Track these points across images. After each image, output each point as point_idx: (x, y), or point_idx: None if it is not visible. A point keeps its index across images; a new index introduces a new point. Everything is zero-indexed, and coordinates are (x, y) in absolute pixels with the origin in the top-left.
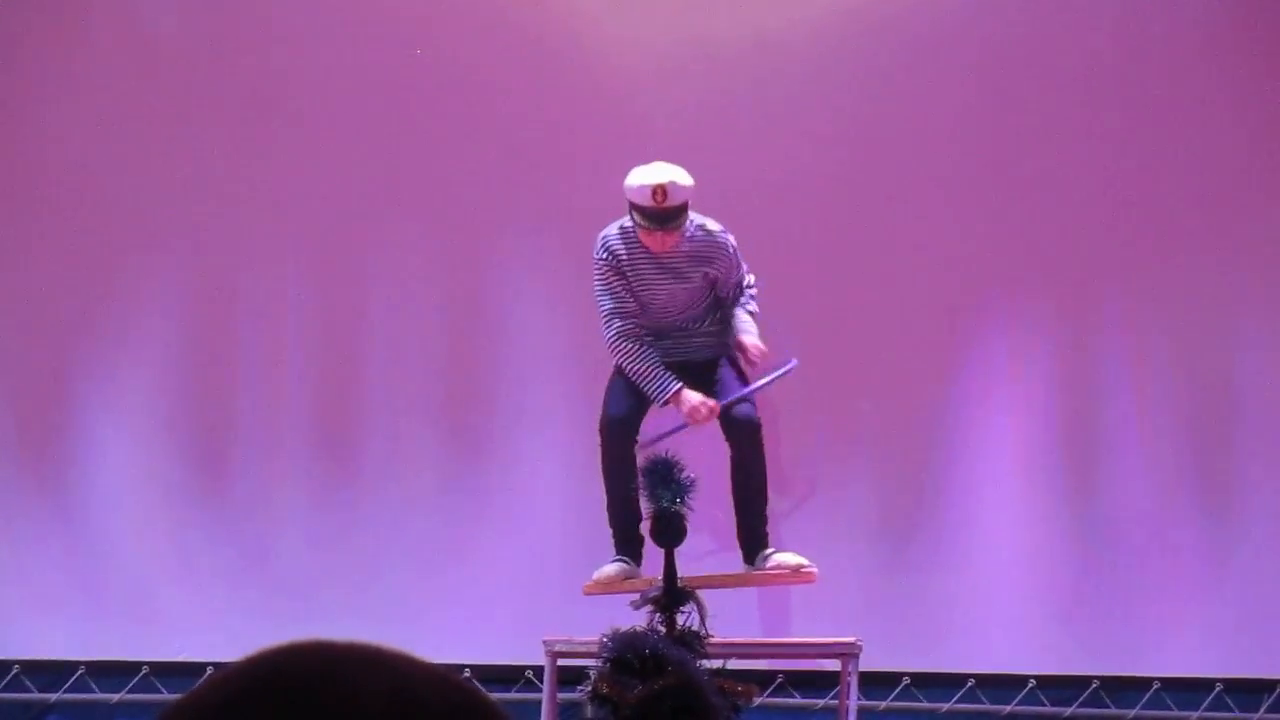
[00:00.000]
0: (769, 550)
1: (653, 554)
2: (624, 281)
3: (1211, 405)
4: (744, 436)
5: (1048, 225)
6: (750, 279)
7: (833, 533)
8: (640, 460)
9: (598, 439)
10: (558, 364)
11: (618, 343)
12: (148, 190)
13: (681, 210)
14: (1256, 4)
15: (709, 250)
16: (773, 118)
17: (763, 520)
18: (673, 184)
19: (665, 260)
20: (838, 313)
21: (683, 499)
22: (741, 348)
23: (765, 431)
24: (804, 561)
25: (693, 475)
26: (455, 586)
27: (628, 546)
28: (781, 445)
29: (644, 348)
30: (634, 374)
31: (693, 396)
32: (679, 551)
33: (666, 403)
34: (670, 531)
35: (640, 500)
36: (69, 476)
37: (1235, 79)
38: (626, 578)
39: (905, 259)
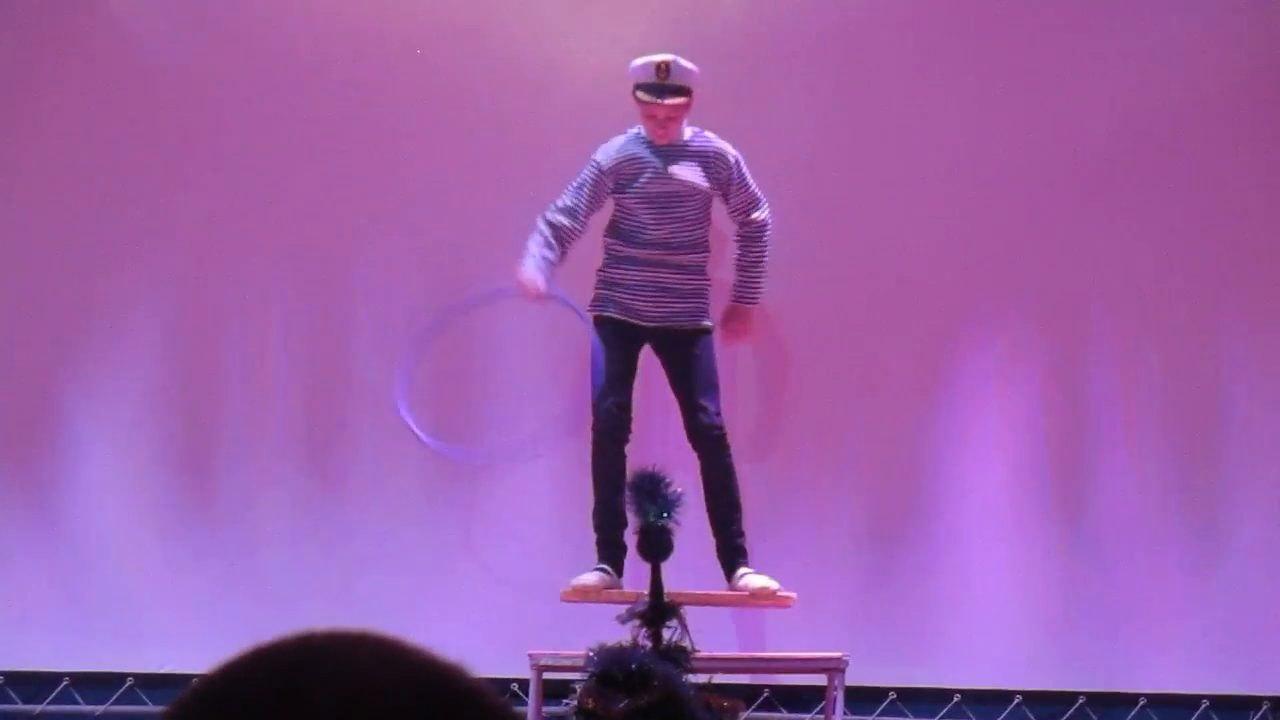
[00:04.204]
0: (743, 571)
1: (640, 568)
2: (596, 189)
3: (1199, 421)
4: (706, 445)
5: (1036, 237)
6: (762, 214)
7: (819, 547)
8: (628, 474)
9: (590, 434)
10: (545, 373)
11: (540, 220)
12: (132, 199)
13: (685, 90)
14: (1249, 21)
15: (704, 158)
16: (763, 127)
17: (736, 533)
18: (676, 62)
19: (664, 156)
20: (825, 326)
21: (669, 513)
22: (729, 323)
23: (752, 443)
24: (776, 585)
25: (680, 489)
26: (440, 598)
27: (609, 552)
28: (768, 459)
29: (550, 238)
30: (528, 248)
31: (528, 274)
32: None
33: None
34: (657, 546)
35: (627, 509)
36: (53, 486)
37: (1226, 90)
38: (606, 587)
39: (893, 272)
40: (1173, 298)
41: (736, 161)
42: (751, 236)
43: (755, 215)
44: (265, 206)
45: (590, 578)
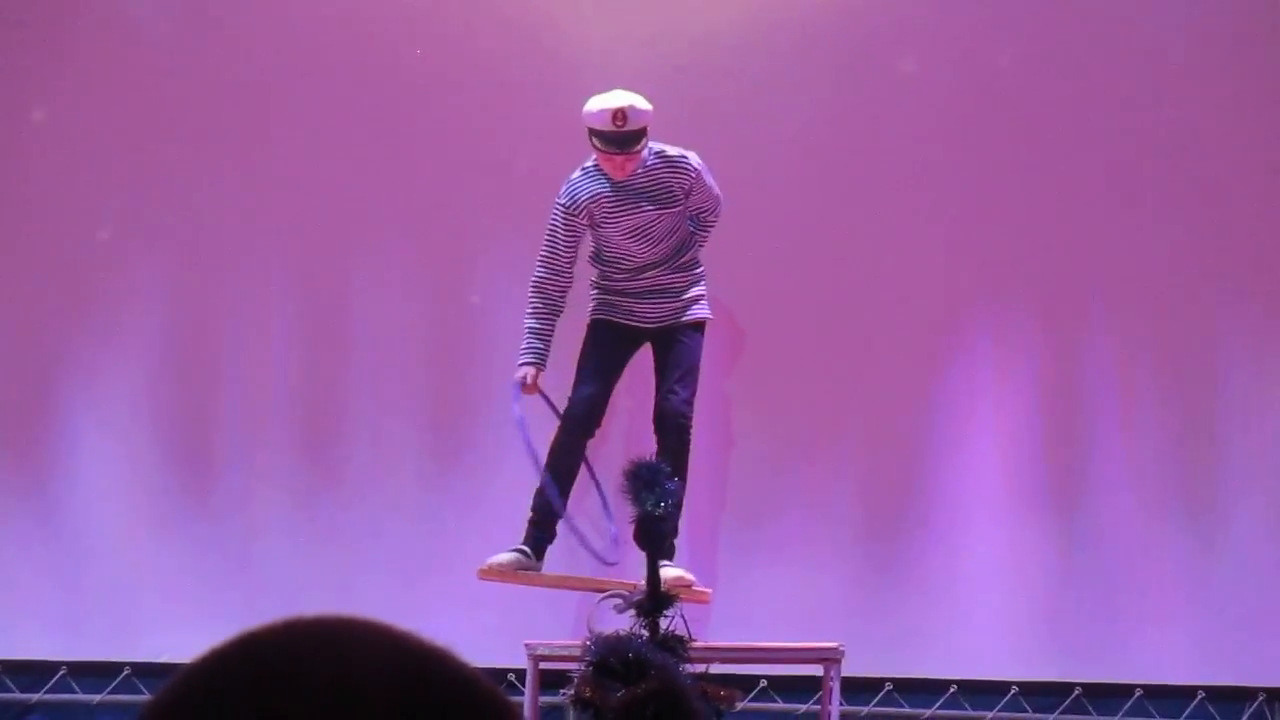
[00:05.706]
0: (660, 564)
1: (636, 557)
2: (570, 234)
3: (1195, 413)
4: (667, 431)
5: (1033, 233)
6: (717, 215)
7: (816, 538)
8: (624, 464)
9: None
10: (548, 371)
11: (530, 289)
12: (132, 193)
13: (641, 134)
14: (1246, 18)
15: (669, 175)
16: (756, 125)
17: (670, 531)
18: (632, 108)
19: (627, 189)
20: (822, 319)
21: (667, 504)
22: None
23: (749, 435)
24: (692, 578)
25: (678, 480)
26: (438, 589)
27: (535, 534)
28: (766, 451)
29: (546, 309)
30: (525, 324)
31: (527, 374)
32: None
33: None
34: (654, 536)
35: (565, 496)
36: (51, 477)
37: (1221, 88)
38: (520, 568)
39: (890, 266)
40: (1168, 291)
41: (697, 170)
42: (701, 224)
43: (710, 217)
44: (263, 201)
45: (504, 557)
